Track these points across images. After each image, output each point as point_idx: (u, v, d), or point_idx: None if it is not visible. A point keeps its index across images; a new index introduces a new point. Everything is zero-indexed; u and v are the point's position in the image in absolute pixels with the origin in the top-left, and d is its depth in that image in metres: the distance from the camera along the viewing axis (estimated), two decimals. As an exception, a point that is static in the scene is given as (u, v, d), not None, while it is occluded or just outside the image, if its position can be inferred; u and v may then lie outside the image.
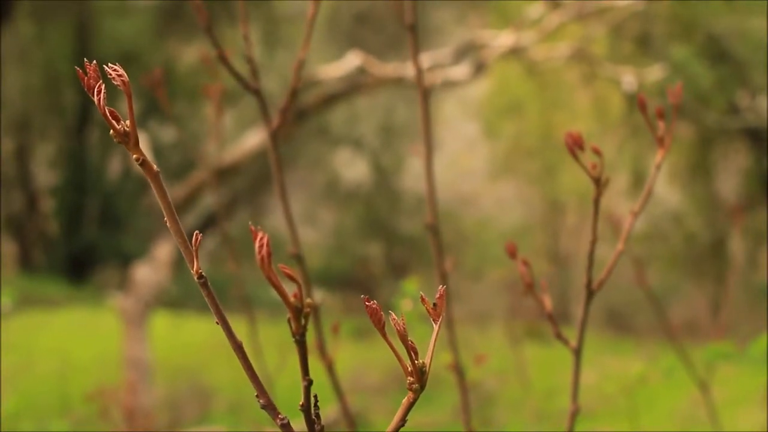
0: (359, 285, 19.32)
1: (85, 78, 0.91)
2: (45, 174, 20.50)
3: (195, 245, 0.93)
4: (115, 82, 0.89)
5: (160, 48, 18.47)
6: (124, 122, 0.92)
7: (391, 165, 19.88)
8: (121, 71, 0.90)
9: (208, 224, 16.38)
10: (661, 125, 1.54)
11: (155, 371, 9.22)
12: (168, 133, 18.21)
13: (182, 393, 9.90)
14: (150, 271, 8.91)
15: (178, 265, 9.48)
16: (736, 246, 14.44)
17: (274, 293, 0.83)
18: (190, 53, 17.34)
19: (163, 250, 9.00)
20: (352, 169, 20.62)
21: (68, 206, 19.46)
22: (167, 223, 0.94)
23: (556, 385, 9.21)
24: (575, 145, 1.41)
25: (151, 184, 0.93)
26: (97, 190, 19.38)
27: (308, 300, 0.82)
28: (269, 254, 0.80)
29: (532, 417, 8.36)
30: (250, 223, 0.83)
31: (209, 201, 12.42)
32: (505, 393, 9.58)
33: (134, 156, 0.92)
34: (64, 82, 18.47)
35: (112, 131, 0.91)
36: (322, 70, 10.41)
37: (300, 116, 10.43)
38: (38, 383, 10.09)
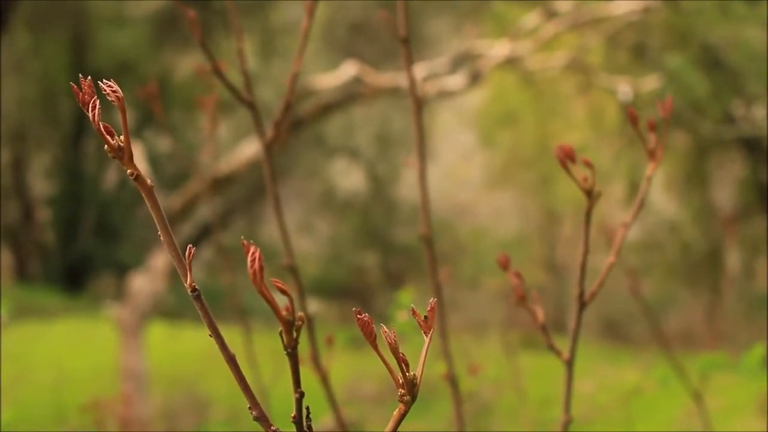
0: (356, 294, 19.31)
1: (80, 93, 0.91)
2: (41, 184, 20.48)
3: (188, 259, 0.93)
4: (110, 98, 0.89)
5: (156, 58, 18.47)
6: (118, 137, 0.92)
7: (387, 174, 19.87)
8: (116, 87, 0.90)
9: (204, 234, 16.38)
10: (652, 138, 1.54)
11: (151, 381, 9.20)
12: (164, 143, 18.20)
13: (179, 403, 9.88)
14: (146, 281, 8.89)
15: (175, 274, 9.45)
16: (732, 256, 14.45)
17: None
18: (187, 63, 17.34)
19: (160, 260, 8.99)
20: (348, 178, 20.62)
21: (64, 216, 19.44)
22: (161, 237, 0.95)
23: (552, 394, 9.20)
24: (566, 158, 1.42)
25: (145, 199, 0.94)
26: (94, 200, 19.37)
27: (299, 313, 0.83)
28: (261, 268, 0.80)
29: (528, 426, 8.35)
30: (242, 237, 0.84)
31: (206, 210, 12.40)
32: (501, 402, 9.56)
33: (128, 171, 0.92)
34: (60, 93, 18.46)
35: (106, 146, 0.91)
36: (318, 80, 10.41)
37: (296, 126, 10.43)
38: (34, 394, 10.07)
